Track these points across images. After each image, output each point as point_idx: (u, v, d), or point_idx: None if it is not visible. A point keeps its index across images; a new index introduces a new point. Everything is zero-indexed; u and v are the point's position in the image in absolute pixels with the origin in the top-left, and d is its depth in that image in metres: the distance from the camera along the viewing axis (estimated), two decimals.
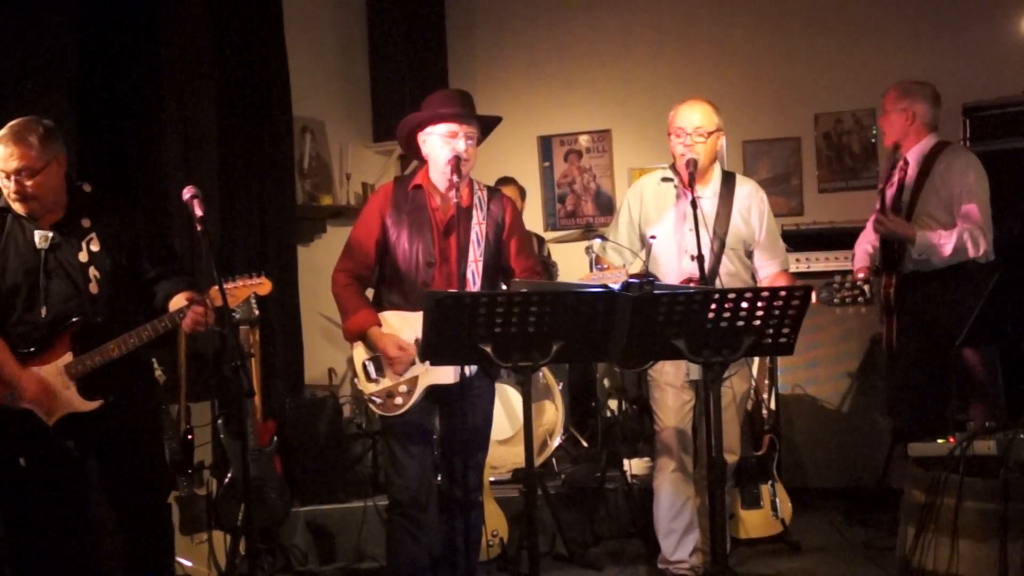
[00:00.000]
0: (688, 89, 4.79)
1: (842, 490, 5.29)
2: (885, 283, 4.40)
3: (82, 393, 3.43)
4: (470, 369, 3.61)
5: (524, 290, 3.31)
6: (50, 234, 3.43)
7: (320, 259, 5.39)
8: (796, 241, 5.29)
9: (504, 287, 3.81)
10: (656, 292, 3.16)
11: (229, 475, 4.45)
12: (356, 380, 3.80)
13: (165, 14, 4.81)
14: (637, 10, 6.92)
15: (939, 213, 4.33)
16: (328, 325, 5.86)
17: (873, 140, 6.36)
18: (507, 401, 5.22)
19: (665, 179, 4.14)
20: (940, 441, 3.39)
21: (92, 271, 3.45)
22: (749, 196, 4.11)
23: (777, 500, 4.78)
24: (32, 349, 3.42)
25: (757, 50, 6.63)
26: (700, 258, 3.77)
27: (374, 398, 3.67)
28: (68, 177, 3.50)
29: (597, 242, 4.56)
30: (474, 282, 3.64)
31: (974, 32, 6.16)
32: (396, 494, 3.71)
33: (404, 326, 3.65)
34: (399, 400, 3.64)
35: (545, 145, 7.19)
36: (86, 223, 3.47)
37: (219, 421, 4.43)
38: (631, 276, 3.52)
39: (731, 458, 4.13)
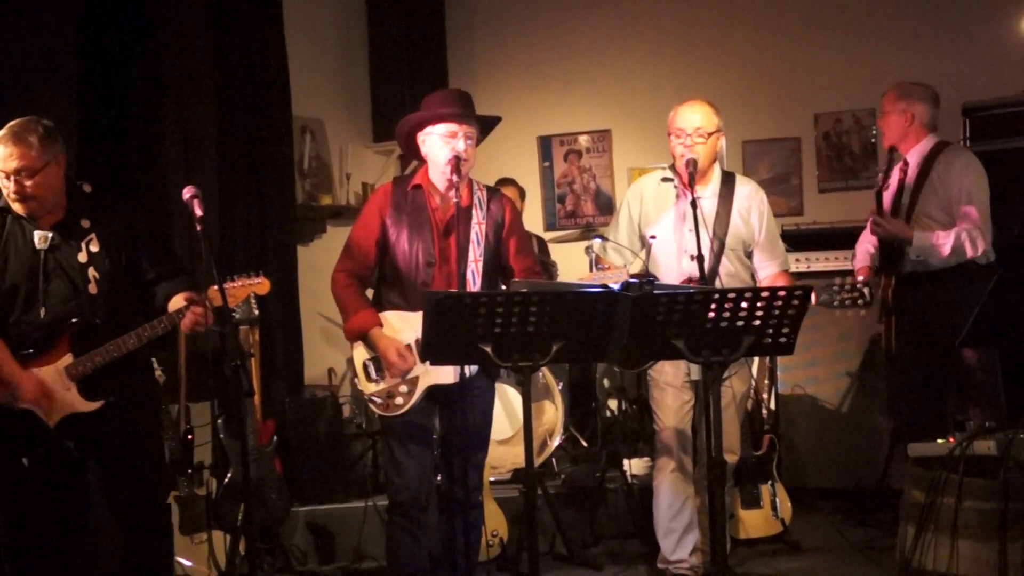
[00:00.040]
0: (688, 89, 4.80)
1: (842, 490, 5.30)
2: (884, 284, 4.40)
3: (83, 394, 3.42)
4: (470, 369, 3.61)
5: (524, 290, 3.31)
6: (50, 234, 3.42)
7: (320, 259, 5.39)
8: (796, 241, 5.29)
9: (504, 287, 3.81)
10: (656, 292, 3.16)
11: (229, 475, 4.45)
12: (356, 380, 3.80)
13: (165, 14, 4.81)
14: (637, 10, 6.91)
15: (938, 214, 4.33)
16: (328, 325, 5.85)
17: (873, 140, 6.35)
18: (507, 401, 5.22)
19: (665, 179, 4.14)
20: (940, 441, 3.39)
21: (91, 272, 3.44)
22: (749, 196, 4.11)
23: (777, 500, 4.78)
24: (31, 350, 3.41)
25: (757, 50, 6.62)
26: (700, 258, 3.77)
27: (374, 398, 3.67)
28: (68, 177, 3.49)
29: (597, 242, 4.55)
30: (474, 282, 3.64)
31: (974, 32, 6.15)
32: (396, 494, 3.71)
33: (404, 326, 3.65)
34: (399, 400, 3.64)
35: (545, 145, 7.18)
36: (86, 223, 3.46)
37: (219, 421, 4.42)
38: (631, 276, 3.52)
39: (731, 458, 4.13)
